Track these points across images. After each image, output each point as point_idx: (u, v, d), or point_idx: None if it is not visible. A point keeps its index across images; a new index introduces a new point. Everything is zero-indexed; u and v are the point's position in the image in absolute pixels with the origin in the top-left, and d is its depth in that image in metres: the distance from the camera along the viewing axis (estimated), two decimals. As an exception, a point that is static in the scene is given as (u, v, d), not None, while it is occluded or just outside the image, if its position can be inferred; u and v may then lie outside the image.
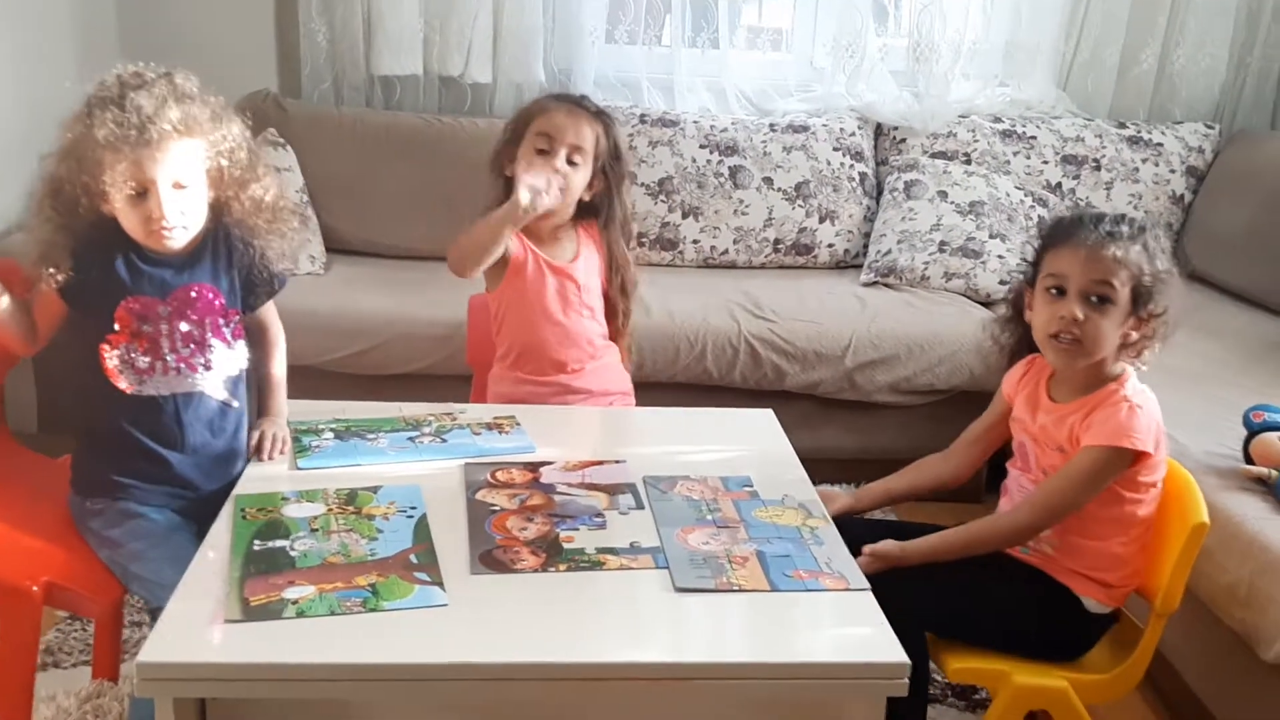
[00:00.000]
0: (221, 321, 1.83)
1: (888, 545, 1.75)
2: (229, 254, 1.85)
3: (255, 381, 1.97)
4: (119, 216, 1.74)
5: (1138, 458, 1.72)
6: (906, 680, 1.36)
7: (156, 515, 1.80)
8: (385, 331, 2.93)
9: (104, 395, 1.78)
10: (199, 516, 1.80)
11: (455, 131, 3.45)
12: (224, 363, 1.83)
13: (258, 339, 1.96)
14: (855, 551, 1.64)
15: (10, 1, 2.94)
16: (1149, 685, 2.20)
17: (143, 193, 1.70)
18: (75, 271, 1.74)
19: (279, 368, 1.99)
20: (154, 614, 1.68)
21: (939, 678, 2.21)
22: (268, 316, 1.97)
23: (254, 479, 1.75)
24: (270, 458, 1.82)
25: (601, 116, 2.21)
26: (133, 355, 1.77)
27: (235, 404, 1.86)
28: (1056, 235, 1.80)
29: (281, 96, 3.49)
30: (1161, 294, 1.74)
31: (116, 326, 1.76)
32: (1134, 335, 1.76)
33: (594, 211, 2.24)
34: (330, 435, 1.89)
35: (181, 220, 1.74)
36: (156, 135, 1.68)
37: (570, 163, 2.13)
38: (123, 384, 1.78)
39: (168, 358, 1.79)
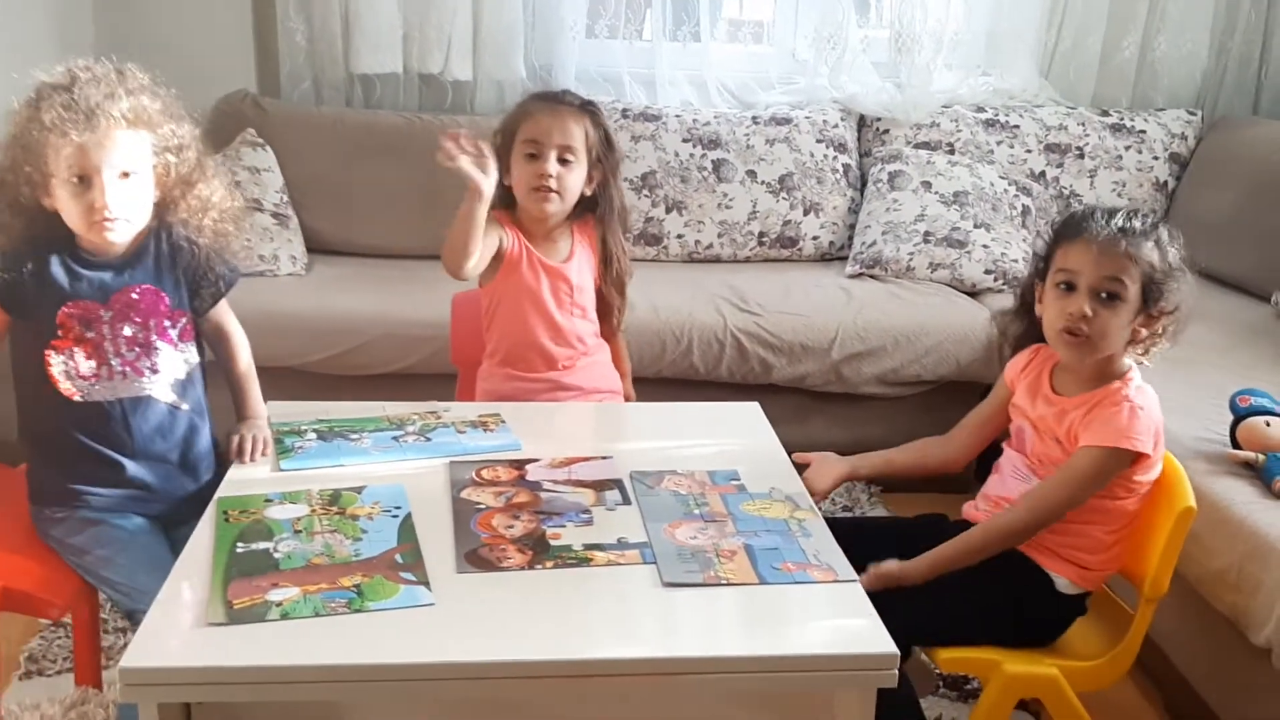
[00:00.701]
0: (167, 323, 1.80)
1: (889, 566, 1.71)
2: (173, 254, 1.81)
3: (227, 386, 1.95)
4: (60, 206, 1.70)
5: (1136, 458, 1.72)
6: (896, 671, 1.36)
7: (120, 521, 1.78)
8: (368, 331, 2.91)
9: (50, 402, 1.76)
10: (169, 523, 1.79)
11: (436, 130, 3.40)
12: (171, 365, 1.81)
13: (218, 343, 1.94)
14: (844, 548, 1.62)
15: (-15, 3, 2.92)
16: (1140, 670, 2.20)
17: (86, 180, 1.67)
18: (9, 273, 1.70)
19: (247, 369, 1.96)
20: (132, 618, 1.66)
21: (932, 667, 2.21)
22: (223, 319, 1.94)
23: (236, 481, 1.73)
24: (252, 459, 1.80)
25: (586, 108, 2.18)
26: (77, 361, 1.75)
27: (184, 406, 1.84)
28: (1068, 230, 1.78)
29: (260, 96, 3.47)
30: (1172, 291, 1.73)
31: (59, 333, 1.73)
32: (1143, 332, 1.75)
33: (592, 205, 2.21)
34: (313, 436, 1.87)
35: (124, 212, 1.71)
36: (105, 122, 1.65)
37: (563, 162, 2.11)
38: (68, 390, 1.75)
39: (113, 362, 1.76)
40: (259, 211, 3.17)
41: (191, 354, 1.85)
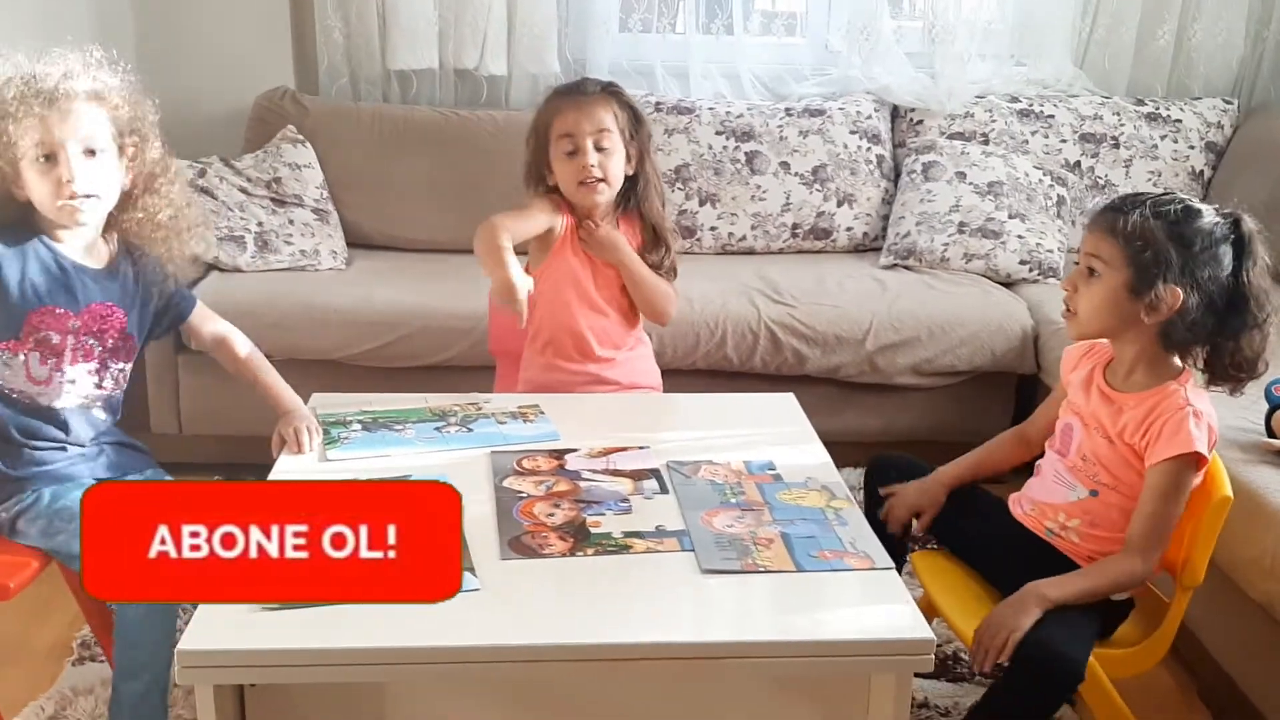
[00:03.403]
0: (121, 344, 1.83)
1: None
2: (138, 275, 1.84)
3: (249, 385, 1.97)
4: (30, 191, 1.70)
5: (1199, 462, 1.72)
6: (932, 656, 1.38)
7: (78, 492, 1.75)
8: (408, 324, 2.95)
9: None
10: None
11: (472, 124, 3.46)
12: (112, 383, 1.84)
13: (217, 350, 1.97)
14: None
15: (26, 3, 2.97)
16: (1174, 657, 2.20)
17: (52, 158, 1.67)
18: None
19: (260, 366, 1.98)
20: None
21: (967, 657, 2.23)
22: (210, 326, 1.97)
23: (285, 471, 1.77)
24: (311, 448, 1.82)
25: (608, 91, 2.21)
26: (29, 364, 1.75)
27: (109, 419, 1.87)
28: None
29: (299, 93, 3.51)
30: (1172, 270, 1.68)
31: (20, 334, 1.74)
32: (1164, 308, 1.68)
33: (630, 185, 2.21)
34: (358, 426, 1.91)
35: (93, 189, 1.70)
36: (65, 96, 1.66)
37: (600, 149, 2.13)
38: (10, 390, 1.76)
39: (66, 370, 1.77)
40: (299, 207, 3.22)
41: (125, 374, 1.88)
